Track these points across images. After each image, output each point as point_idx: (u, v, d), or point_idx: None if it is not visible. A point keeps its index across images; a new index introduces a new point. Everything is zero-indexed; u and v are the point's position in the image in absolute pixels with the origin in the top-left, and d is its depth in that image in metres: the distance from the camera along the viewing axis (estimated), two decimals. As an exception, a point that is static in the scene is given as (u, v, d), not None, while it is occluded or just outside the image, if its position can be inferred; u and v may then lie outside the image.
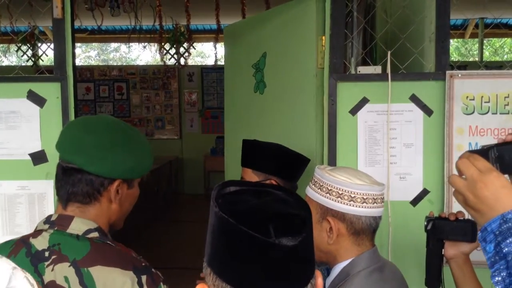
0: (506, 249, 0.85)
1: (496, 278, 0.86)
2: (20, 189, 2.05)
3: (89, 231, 1.18)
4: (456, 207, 1.98)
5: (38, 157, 2.05)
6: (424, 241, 2.08)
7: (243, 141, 1.91)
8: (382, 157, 2.02)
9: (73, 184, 1.19)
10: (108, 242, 1.18)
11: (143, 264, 1.17)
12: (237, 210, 0.74)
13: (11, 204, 2.05)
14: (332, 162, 2.01)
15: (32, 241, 1.17)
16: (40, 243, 1.16)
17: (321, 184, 1.30)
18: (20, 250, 1.17)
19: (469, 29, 7.33)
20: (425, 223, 1.42)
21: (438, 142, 2.00)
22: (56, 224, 1.18)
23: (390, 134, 2.01)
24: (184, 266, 5.00)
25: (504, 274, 0.85)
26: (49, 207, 2.07)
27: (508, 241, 0.85)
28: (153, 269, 1.17)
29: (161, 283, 1.15)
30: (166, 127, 8.82)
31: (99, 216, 1.22)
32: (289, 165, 1.83)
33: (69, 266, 1.12)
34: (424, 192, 2.02)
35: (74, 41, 2.10)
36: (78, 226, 1.17)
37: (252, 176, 1.83)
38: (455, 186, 0.95)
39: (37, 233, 1.19)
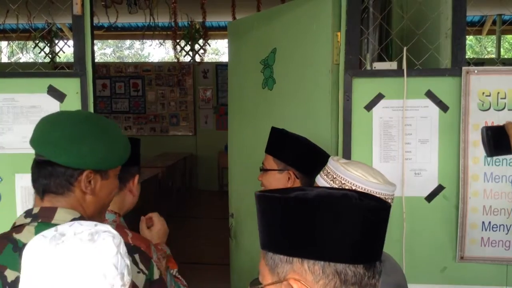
0: None
1: None
2: (41, 182, 2.08)
3: (74, 220, 1.16)
4: (472, 203, 1.98)
5: (58, 151, 2.09)
6: (439, 238, 2.09)
7: (272, 128, 1.90)
8: (397, 153, 2.02)
9: (45, 176, 1.21)
10: None
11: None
12: (320, 194, 0.81)
13: (32, 196, 2.08)
14: (347, 158, 2.02)
15: (17, 236, 1.16)
16: (26, 237, 1.14)
17: (334, 176, 1.27)
18: (5, 247, 1.15)
19: (486, 26, 7.25)
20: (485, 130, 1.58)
21: (454, 138, 2.00)
22: (40, 216, 1.18)
23: (406, 130, 2.01)
24: (197, 261, 5.05)
25: None
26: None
27: None
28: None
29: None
30: (181, 123, 8.88)
31: (75, 207, 1.21)
32: (310, 159, 1.80)
33: None
34: (440, 188, 2.02)
35: (93, 37, 2.14)
36: (63, 217, 1.17)
37: (272, 163, 1.83)
38: None
39: (19, 228, 1.18)
